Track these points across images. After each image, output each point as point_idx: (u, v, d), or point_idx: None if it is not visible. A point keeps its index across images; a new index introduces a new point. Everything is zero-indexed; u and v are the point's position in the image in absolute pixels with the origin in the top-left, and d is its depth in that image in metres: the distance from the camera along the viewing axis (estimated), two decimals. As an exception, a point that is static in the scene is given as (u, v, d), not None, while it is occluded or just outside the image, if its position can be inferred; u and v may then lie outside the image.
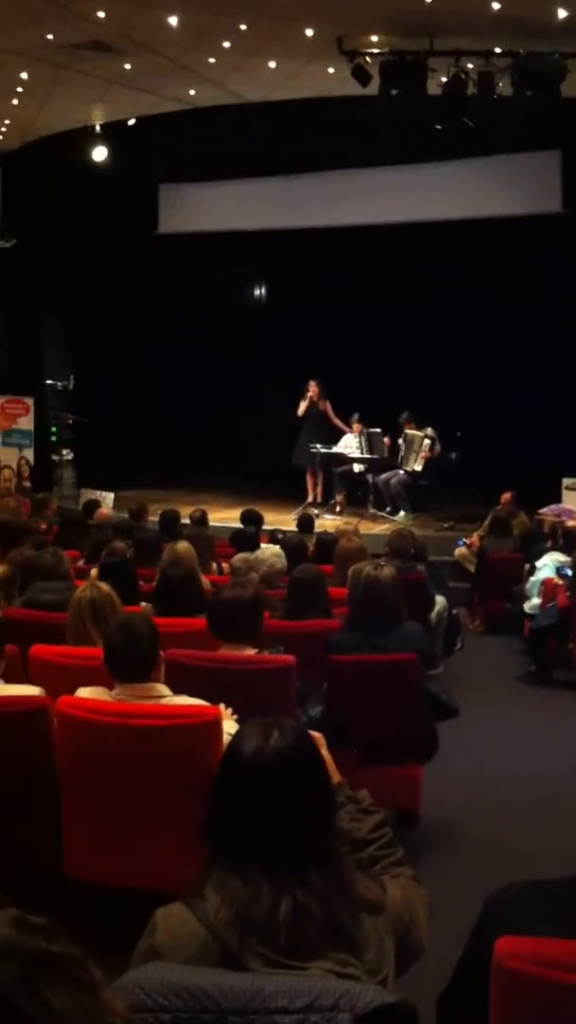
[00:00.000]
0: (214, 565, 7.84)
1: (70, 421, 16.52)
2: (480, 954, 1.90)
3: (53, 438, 16.36)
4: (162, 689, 3.71)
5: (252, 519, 10.18)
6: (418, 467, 13.44)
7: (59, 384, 16.89)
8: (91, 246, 15.31)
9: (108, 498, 13.80)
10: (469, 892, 2.44)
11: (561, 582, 8.34)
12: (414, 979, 2.02)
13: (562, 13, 9.82)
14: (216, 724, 3.53)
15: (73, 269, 15.62)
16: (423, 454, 13.41)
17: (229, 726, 3.65)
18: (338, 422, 14.22)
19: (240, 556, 7.04)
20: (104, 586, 4.70)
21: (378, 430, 13.57)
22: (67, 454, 16.72)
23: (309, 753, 1.94)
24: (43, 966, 1.13)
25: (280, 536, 9.10)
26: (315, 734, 2.15)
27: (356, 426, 13.78)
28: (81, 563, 7.59)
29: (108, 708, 3.61)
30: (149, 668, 3.68)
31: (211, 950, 1.75)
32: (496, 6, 9.71)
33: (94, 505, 11.79)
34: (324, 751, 2.19)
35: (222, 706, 3.73)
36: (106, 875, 3.65)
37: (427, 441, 13.43)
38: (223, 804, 1.90)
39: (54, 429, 16.38)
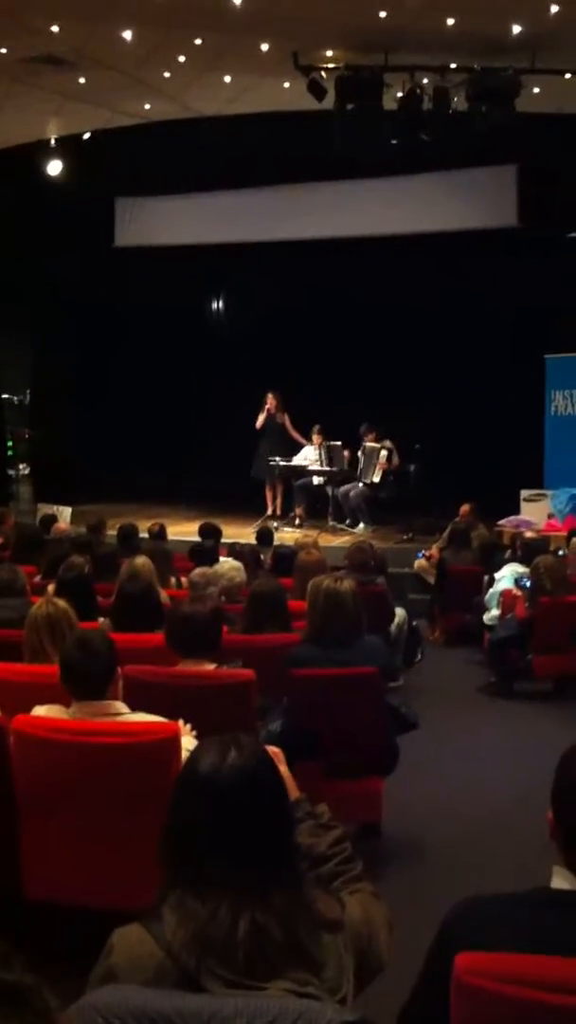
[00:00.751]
0: (173, 579, 7.80)
1: (26, 435, 16.42)
2: (440, 970, 1.89)
3: (9, 452, 16.25)
4: (120, 706, 3.68)
5: (211, 532, 10.15)
6: (376, 479, 13.48)
7: (15, 398, 16.79)
8: (47, 260, 15.27)
9: (65, 512, 13.71)
10: (430, 906, 2.43)
11: (520, 593, 8.39)
12: (374, 996, 2.01)
13: (516, 29, 9.93)
14: (175, 741, 3.50)
15: (29, 283, 15.57)
16: (381, 465, 13.45)
17: (188, 742, 3.63)
18: (296, 435, 14.25)
19: (199, 570, 7.00)
20: (60, 602, 4.66)
21: (338, 443, 13.60)
22: (23, 469, 16.61)
23: (267, 770, 1.92)
24: (-4, 994, 1.12)
25: (244, 549, 9.09)
26: (274, 750, 2.13)
27: (316, 438, 13.80)
28: (38, 579, 7.52)
29: (66, 726, 3.57)
30: (106, 685, 3.64)
31: (168, 971, 1.73)
32: (451, 22, 9.80)
33: (51, 520, 11.72)
34: (283, 767, 2.17)
35: (181, 722, 3.71)
36: (66, 896, 3.61)
37: (384, 452, 13.48)
38: (179, 823, 1.88)
39: (10, 443, 16.27)
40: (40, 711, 3.71)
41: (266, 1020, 1.58)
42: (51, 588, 6.18)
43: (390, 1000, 2.15)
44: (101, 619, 5.61)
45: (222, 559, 7.82)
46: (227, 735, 1.94)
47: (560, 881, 2.01)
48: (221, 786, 1.84)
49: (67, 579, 6.10)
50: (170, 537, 10.96)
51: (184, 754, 3.51)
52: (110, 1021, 1.60)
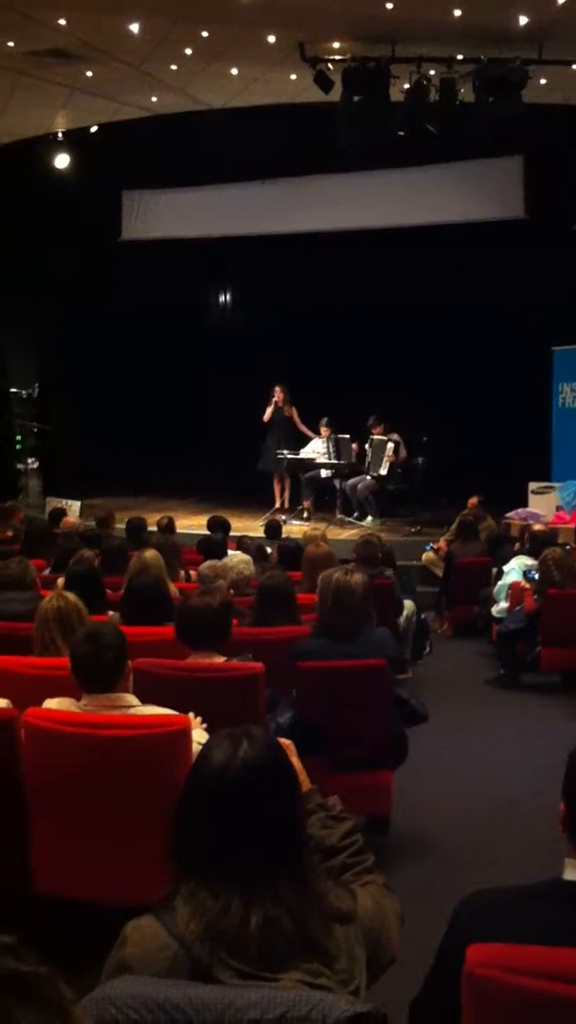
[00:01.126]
0: (182, 573, 7.81)
1: (35, 429, 16.43)
2: (451, 961, 1.90)
3: (18, 446, 16.26)
4: (130, 699, 3.69)
5: (220, 526, 10.14)
6: (383, 471, 13.47)
7: (23, 392, 16.79)
8: (54, 253, 15.27)
9: (74, 506, 13.73)
10: (440, 898, 2.44)
11: (528, 586, 8.38)
12: (383, 987, 2.01)
13: (523, 20, 9.90)
14: (185, 733, 3.51)
15: (36, 276, 15.57)
16: (388, 458, 13.44)
17: (198, 735, 3.63)
18: (304, 428, 14.24)
19: (208, 563, 7.01)
20: (71, 596, 4.67)
21: (346, 436, 13.60)
22: (32, 463, 16.62)
23: (279, 763, 1.92)
24: (12, 986, 1.12)
25: (248, 542, 9.09)
26: (285, 742, 2.14)
27: (324, 430, 13.79)
28: (47, 572, 7.54)
29: (76, 719, 3.58)
30: (117, 678, 3.65)
31: (182, 963, 1.74)
32: (457, 13, 9.77)
33: (60, 513, 11.72)
34: (294, 759, 2.17)
35: (191, 715, 3.72)
36: (76, 890, 3.62)
37: (391, 445, 13.47)
38: (191, 815, 1.89)
39: (19, 437, 16.28)
40: (52, 704, 3.72)
41: (280, 1011, 1.59)
42: (60, 582, 6.19)
43: (399, 992, 2.16)
44: (111, 612, 5.62)
45: (231, 552, 7.82)
46: (239, 728, 1.94)
47: (572, 873, 2.02)
48: (233, 779, 1.84)
49: (77, 572, 6.10)
50: (178, 531, 10.95)
51: (195, 747, 3.52)
52: (124, 1012, 1.61)
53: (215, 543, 8.62)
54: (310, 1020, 1.56)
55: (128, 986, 1.67)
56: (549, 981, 1.75)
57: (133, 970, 1.76)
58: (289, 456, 13.87)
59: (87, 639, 3.67)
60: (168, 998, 1.62)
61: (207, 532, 9.96)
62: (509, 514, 12.81)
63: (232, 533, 10.27)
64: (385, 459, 13.46)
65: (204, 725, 3.79)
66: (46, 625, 4.51)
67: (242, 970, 1.70)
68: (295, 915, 1.76)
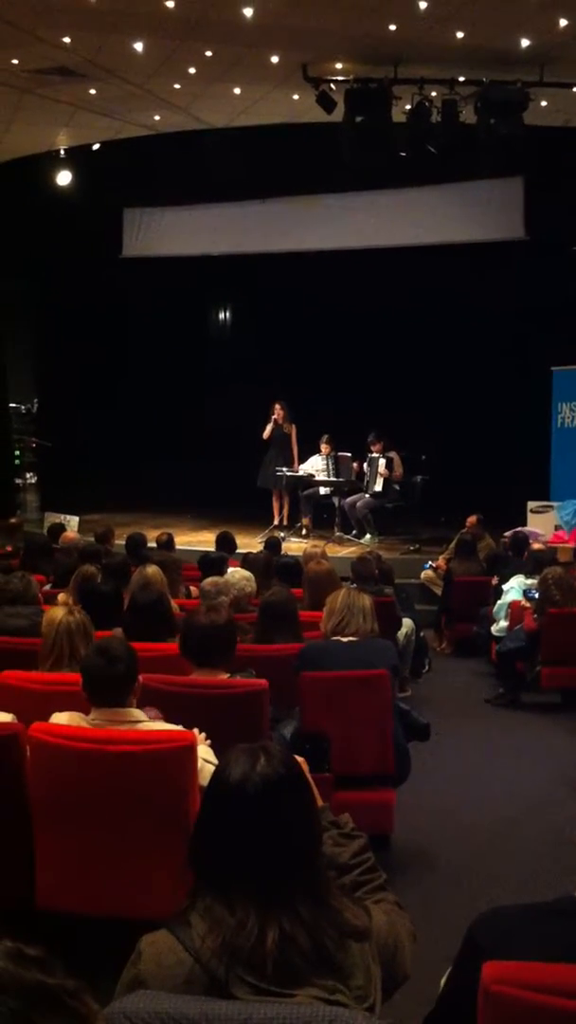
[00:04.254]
0: (183, 589, 7.80)
1: (33, 444, 16.44)
2: (466, 978, 1.90)
3: (16, 461, 16.26)
4: (138, 714, 3.69)
5: (226, 543, 10.11)
6: (378, 488, 13.47)
7: (22, 407, 16.81)
8: (55, 270, 15.31)
9: (72, 522, 13.72)
10: (442, 916, 2.45)
11: (528, 605, 8.39)
12: (395, 1004, 2.01)
13: (524, 42, 9.97)
14: (192, 749, 3.51)
15: (37, 292, 15.60)
16: (381, 473, 13.44)
17: (203, 751, 3.63)
18: (295, 450, 14.19)
19: (210, 580, 7.00)
20: (78, 611, 4.68)
21: (347, 454, 13.61)
22: (30, 477, 16.63)
23: (296, 779, 1.93)
24: (39, 999, 1.12)
25: (256, 556, 9.07)
26: (299, 759, 2.14)
27: (324, 447, 13.79)
28: (48, 587, 7.54)
29: (82, 734, 3.58)
30: (127, 692, 3.65)
31: (198, 978, 1.74)
32: (460, 35, 9.84)
33: (59, 529, 11.71)
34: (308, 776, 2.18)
35: (195, 731, 3.71)
36: (80, 905, 3.60)
37: (383, 461, 13.47)
38: (209, 831, 1.89)
39: (17, 452, 16.29)
40: (61, 718, 3.71)
41: (296, 1027, 1.59)
42: (62, 596, 6.19)
43: (410, 1008, 2.15)
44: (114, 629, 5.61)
45: (232, 569, 7.81)
46: (256, 743, 1.95)
47: (587, 889, 2.02)
48: (251, 795, 1.85)
49: (104, 592, 6.03)
50: (177, 547, 10.94)
51: (199, 763, 3.52)
52: (140, 1027, 1.61)
53: (215, 560, 8.61)
54: (327, 1036, 1.56)
55: (144, 1001, 1.67)
56: (566, 998, 1.75)
57: (148, 985, 1.76)
58: (288, 473, 13.88)
59: (98, 653, 3.68)
60: (184, 1013, 1.62)
61: (207, 548, 9.93)
62: (508, 533, 12.81)
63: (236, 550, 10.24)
64: (378, 475, 13.47)
65: (208, 742, 3.79)
66: (68, 637, 4.49)
67: (258, 986, 1.70)
68: (312, 931, 1.76)
